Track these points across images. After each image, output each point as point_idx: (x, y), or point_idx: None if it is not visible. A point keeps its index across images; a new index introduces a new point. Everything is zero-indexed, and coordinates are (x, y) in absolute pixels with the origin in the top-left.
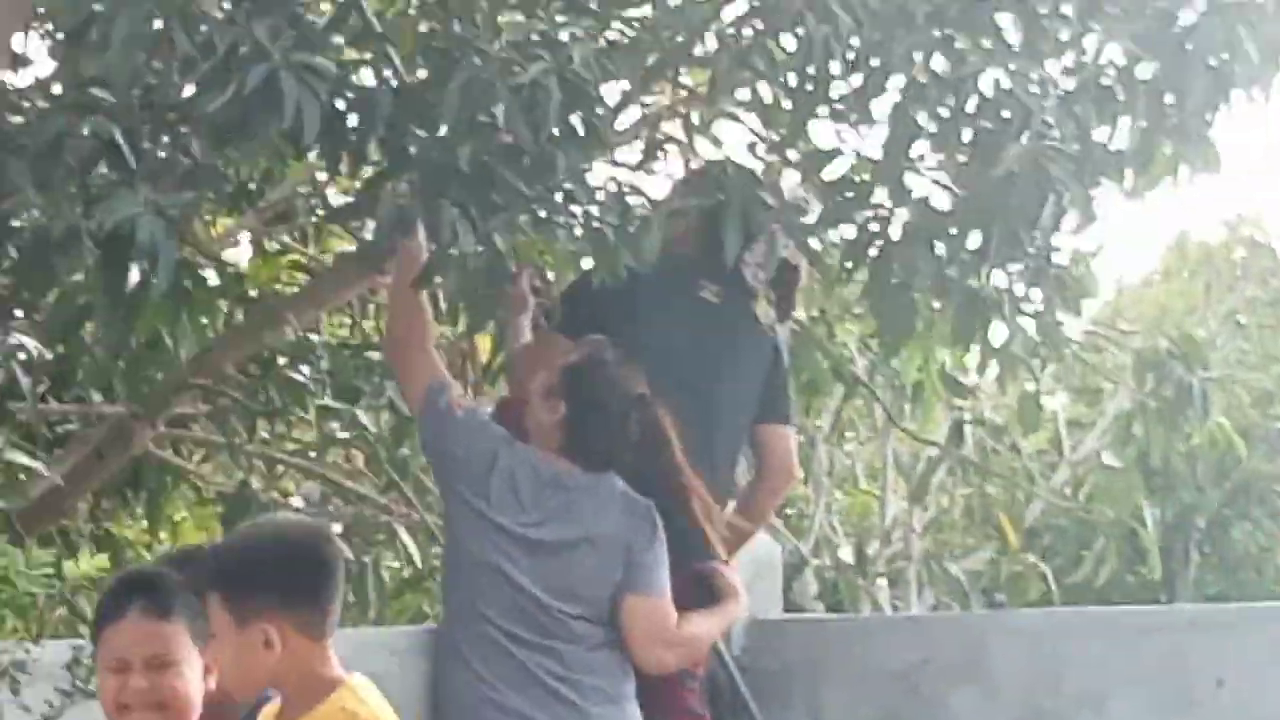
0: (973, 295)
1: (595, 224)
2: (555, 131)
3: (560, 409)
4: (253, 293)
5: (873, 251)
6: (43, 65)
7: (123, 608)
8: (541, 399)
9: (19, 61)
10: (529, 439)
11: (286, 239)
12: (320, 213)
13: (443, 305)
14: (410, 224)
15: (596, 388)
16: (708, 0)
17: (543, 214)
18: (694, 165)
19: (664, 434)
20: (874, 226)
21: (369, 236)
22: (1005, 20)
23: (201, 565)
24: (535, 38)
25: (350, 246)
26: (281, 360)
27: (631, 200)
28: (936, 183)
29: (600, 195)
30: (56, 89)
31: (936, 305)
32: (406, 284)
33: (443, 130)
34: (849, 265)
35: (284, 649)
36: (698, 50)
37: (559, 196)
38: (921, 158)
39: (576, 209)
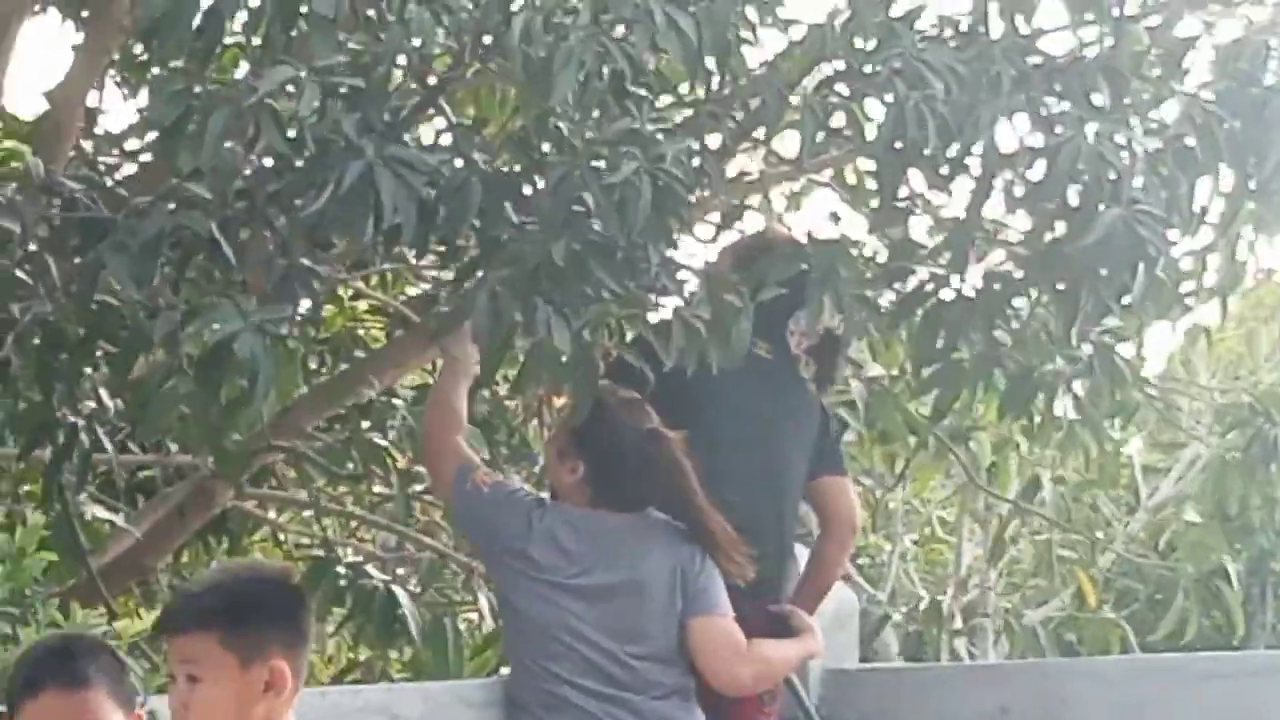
0: (1025, 370)
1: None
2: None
3: (579, 468)
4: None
5: (920, 312)
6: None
7: (36, 683)
8: (558, 462)
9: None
10: (564, 498)
11: (361, 284)
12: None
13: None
14: (504, 317)
15: (606, 437)
16: (794, 61)
17: (633, 310)
18: (748, 232)
19: (680, 464)
20: (929, 287)
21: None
22: (1092, 82)
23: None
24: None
25: (426, 286)
26: (364, 423)
27: (729, 295)
28: (1010, 249)
29: (690, 288)
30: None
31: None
32: (453, 385)
33: (534, 224)
34: (894, 323)
35: (285, 693)
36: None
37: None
38: (998, 224)
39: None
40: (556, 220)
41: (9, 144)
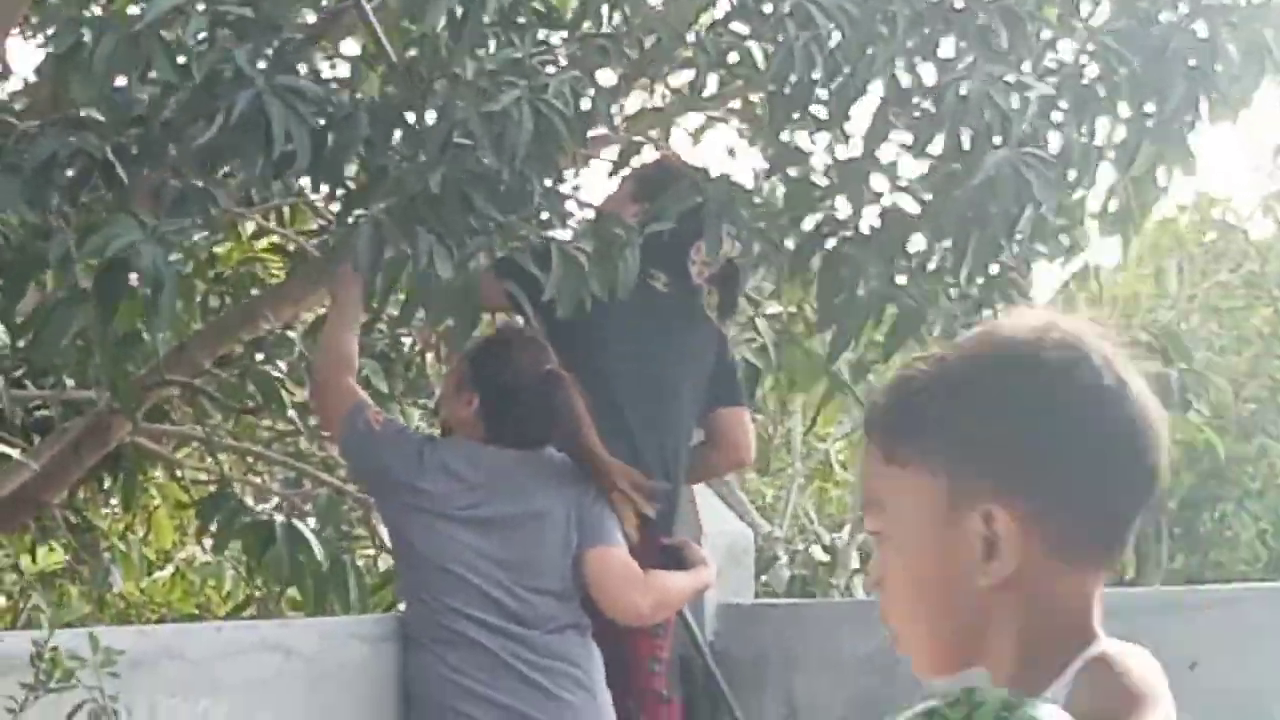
0: (917, 304)
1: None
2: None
3: (474, 400)
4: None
5: (823, 250)
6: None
7: None
8: (454, 393)
9: (4, 73)
10: (448, 433)
11: (259, 220)
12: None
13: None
14: (385, 249)
15: (504, 374)
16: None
17: (516, 241)
18: (648, 162)
19: (575, 407)
20: (827, 228)
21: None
22: (986, 22)
23: None
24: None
25: (324, 222)
26: (258, 355)
27: (615, 228)
28: (905, 190)
29: (575, 221)
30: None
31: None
32: (342, 325)
33: (420, 156)
34: (795, 262)
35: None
36: (679, 53)
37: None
38: (894, 164)
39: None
40: (436, 149)
41: None
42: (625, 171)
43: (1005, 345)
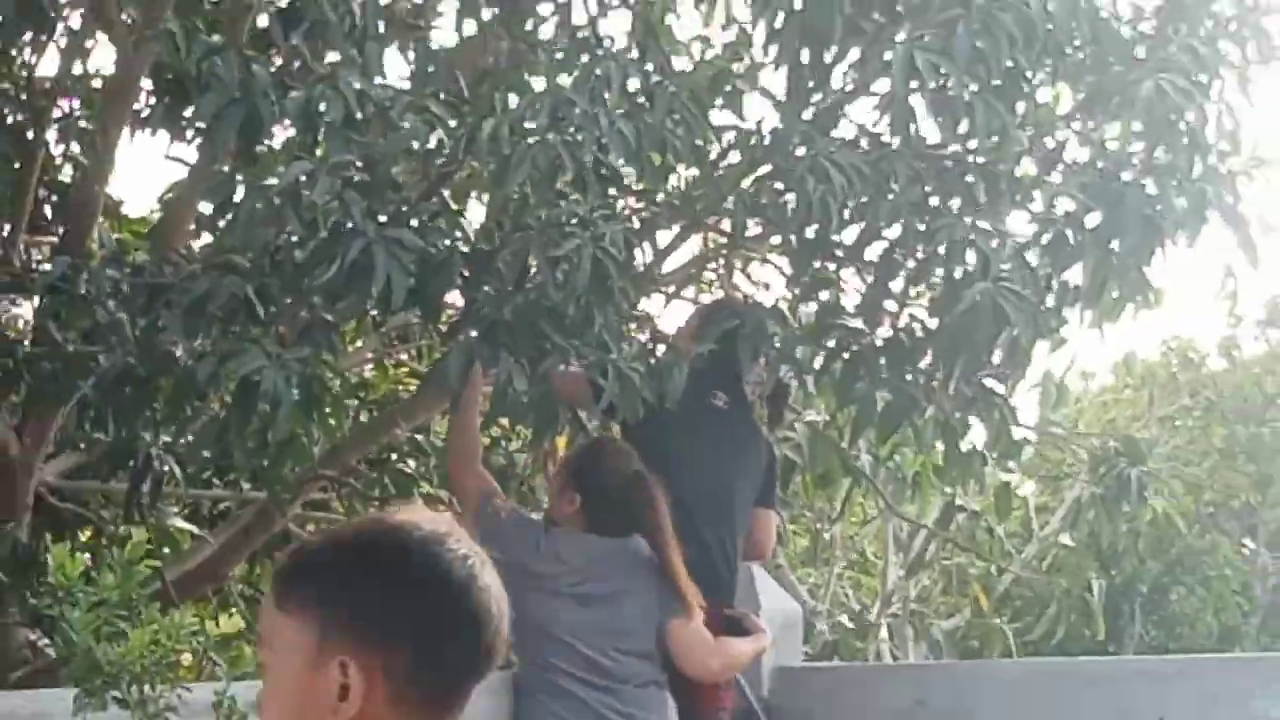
0: (906, 402)
1: (621, 367)
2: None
3: (576, 500)
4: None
5: (841, 361)
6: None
7: None
8: (560, 493)
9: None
10: (561, 524)
11: (404, 356)
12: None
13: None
14: (473, 365)
15: (600, 477)
16: (733, 171)
17: (581, 363)
18: (714, 298)
19: (657, 504)
20: (848, 339)
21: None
22: (973, 180)
23: None
24: (576, 217)
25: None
26: (393, 456)
27: (659, 350)
28: (912, 316)
29: (627, 346)
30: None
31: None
32: (465, 416)
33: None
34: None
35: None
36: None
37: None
38: (904, 293)
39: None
40: (510, 288)
41: (120, 235)
42: (682, 303)
43: (383, 531)
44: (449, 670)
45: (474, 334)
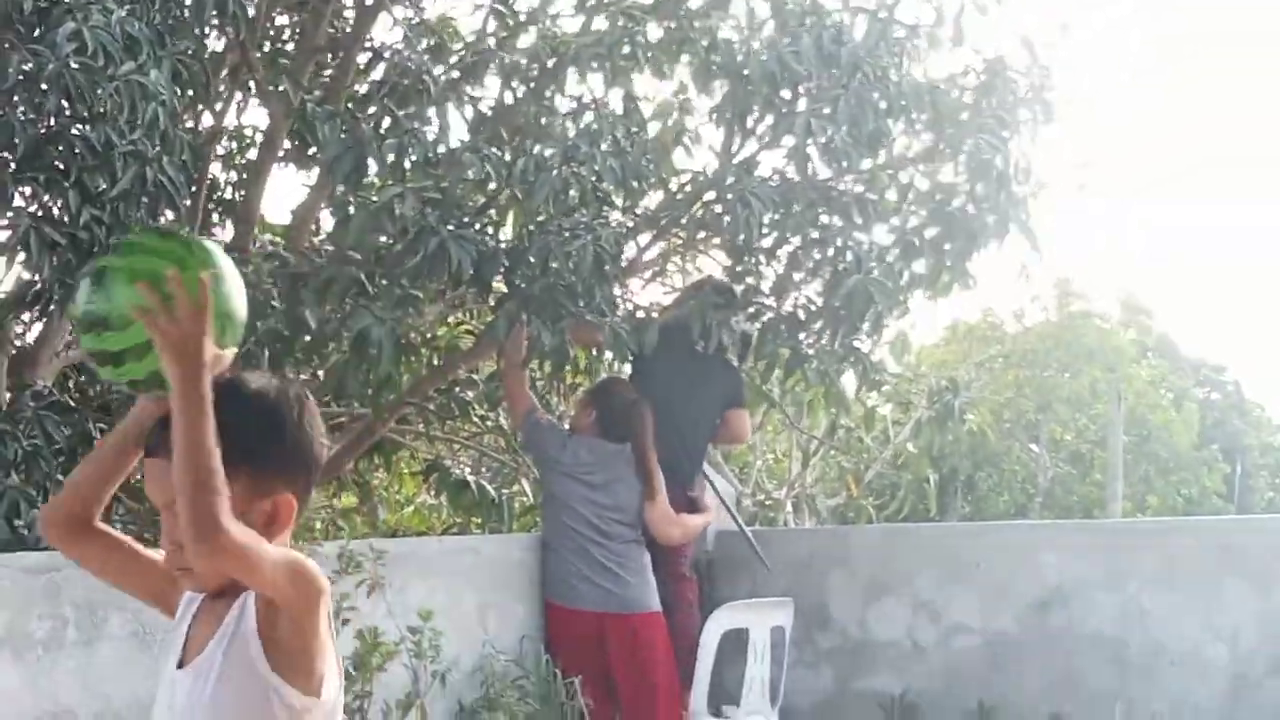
0: (801, 357)
1: (614, 326)
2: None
3: (592, 415)
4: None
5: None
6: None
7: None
8: (582, 410)
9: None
10: (578, 432)
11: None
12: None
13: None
14: (515, 325)
15: (609, 400)
16: (687, 196)
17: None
18: (692, 280)
19: (646, 423)
20: (765, 314)
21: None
22: (849, 203)
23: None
24: (581, 224)
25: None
26: (456, 388)
27: (639, 314)
28: (807, 298)
29: (620, 310)
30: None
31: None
32: (512, 359)
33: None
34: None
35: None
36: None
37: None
38: (802, 281)
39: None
40: (538, 271)
41: (267, 236)
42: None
43: (261, 390)
44: (312, 487)
45: (513, 305)
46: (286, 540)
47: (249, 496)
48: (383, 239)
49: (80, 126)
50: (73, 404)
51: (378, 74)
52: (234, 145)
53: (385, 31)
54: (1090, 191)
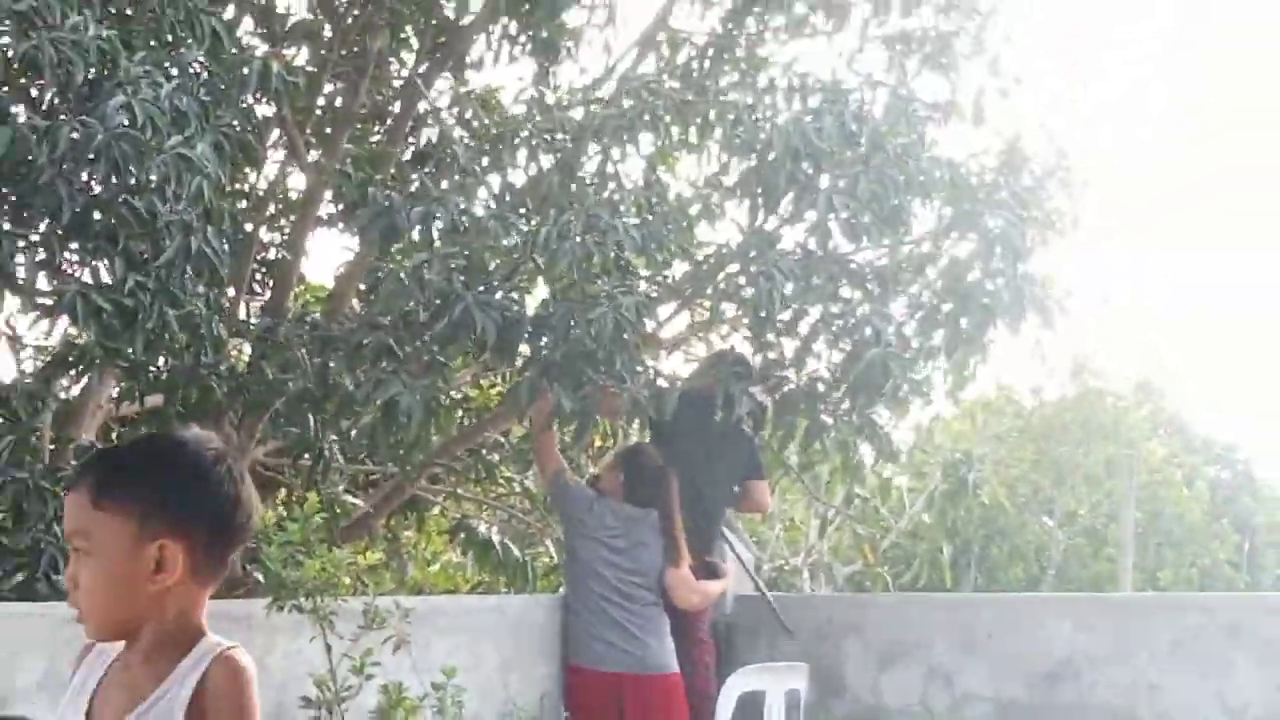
0: (818, 427)
1: (634, 393)
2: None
3: (620, 479)
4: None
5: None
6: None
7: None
8: (610, 474)
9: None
10: (605, 494)
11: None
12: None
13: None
14: (538, 391)
15: (638, 467)
16: (711, 268)
17: (610, 390)
18: (715, 351)
19: (671, 490)
20: (781, 385)
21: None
22: (870, 277)
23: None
24: (603, 292)
25: None
26: (483, 450)
27: (660, 381)
28: (827, 369)
29: (641, 379)
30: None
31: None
32: (540, 422)
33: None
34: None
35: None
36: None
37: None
38: (819, 355)
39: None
40: (560, 338)
41: (306, 299)
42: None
43: (167, 443)
44: (227, 544)
45: (535, 371)
46: (196, 598)
47: (136, 538)
48: (411, 304)
49: (127, 196)
50: None
51: (421, 141)
52: (277, 207)
53: (432, 100)
54: (1111, 243)
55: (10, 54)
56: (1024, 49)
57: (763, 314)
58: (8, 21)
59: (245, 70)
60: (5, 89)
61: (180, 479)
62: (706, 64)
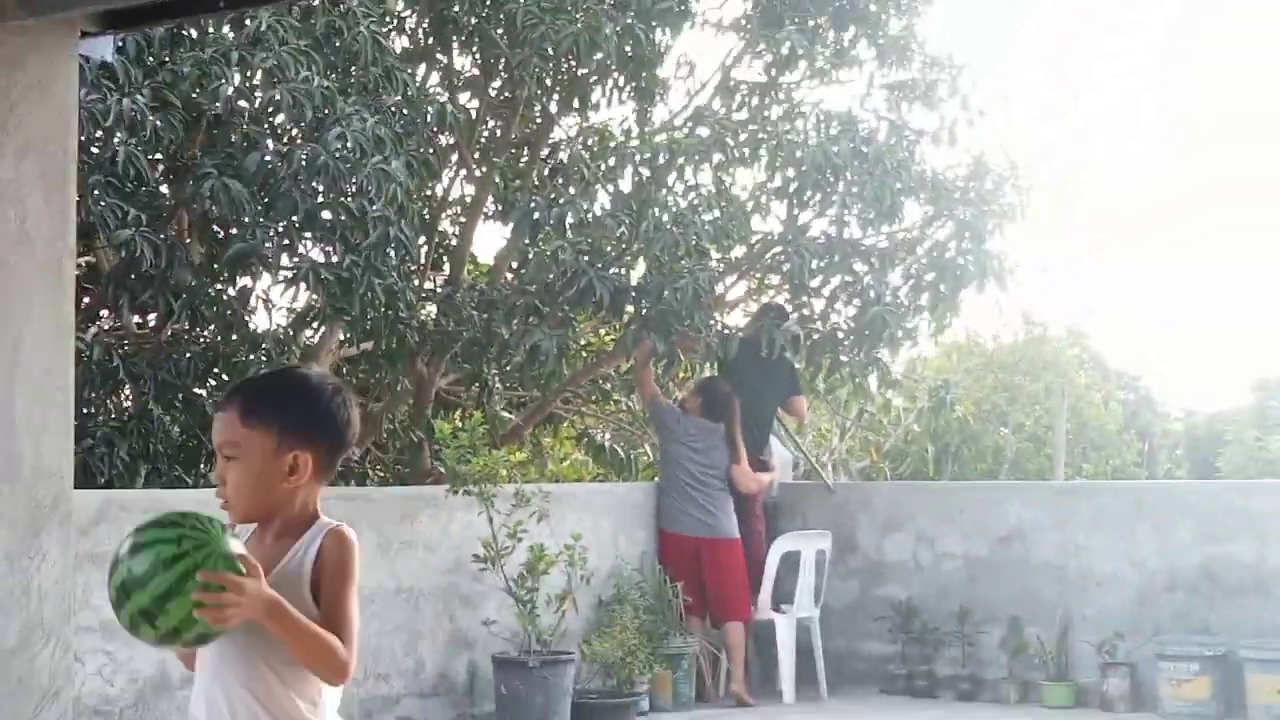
0: (838, 364)
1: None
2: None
3: (699, 401)
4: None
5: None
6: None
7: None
8: (692, 397)
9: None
10: (688, 412)
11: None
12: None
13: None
14: (639, 339)
15: (711, 392)
16: (761, 248)
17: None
18: (763, 303)
19: (734, 407)
20: (811, 333)
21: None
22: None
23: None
24: (685, 269)
25: None
26: (601, 380)
27: (725, 331)
28: (845, 322)
29: (712, 330)
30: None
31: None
32: (641, 362)
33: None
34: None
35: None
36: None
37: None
38: (838, 312)
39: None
40: (655, 299)
41: (476, 272)
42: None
43: (297, 374)
44: (340, 453)
45: (637, 324)
46: (315, 491)
47: (275, 449)
48: (550, 277)
49: (343, 199)
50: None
51: (555, 161)
52: (455, 210)
53: (565, 131)
54: (1103, 255)
55: (260, 99)
56: (1010, 70)
57: (797, 282)
58: (259, 76)
59: (429, 110)
60: (257, 125)
61: (309, 405)
62: (757, 102)
